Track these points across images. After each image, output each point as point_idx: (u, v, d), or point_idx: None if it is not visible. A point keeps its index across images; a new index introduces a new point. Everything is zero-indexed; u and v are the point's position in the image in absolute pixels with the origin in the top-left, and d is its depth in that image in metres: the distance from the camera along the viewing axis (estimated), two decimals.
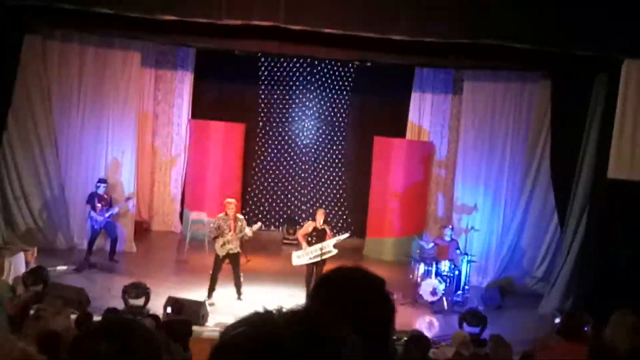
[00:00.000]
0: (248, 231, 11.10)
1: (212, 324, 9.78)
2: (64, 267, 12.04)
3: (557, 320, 8.51)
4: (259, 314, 1.16)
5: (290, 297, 11.03)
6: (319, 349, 1.09)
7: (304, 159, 16.97)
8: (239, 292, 11.04)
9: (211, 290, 10.89)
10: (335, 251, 11.25)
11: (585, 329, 6.76)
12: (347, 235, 11.84)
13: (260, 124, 16.81)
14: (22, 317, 6.54)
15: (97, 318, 7.37)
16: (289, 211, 16.95)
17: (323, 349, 1.09)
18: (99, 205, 12.62)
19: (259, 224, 11.84)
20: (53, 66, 13.31)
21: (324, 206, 15.84)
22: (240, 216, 11.43)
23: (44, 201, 13.37)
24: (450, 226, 12.93)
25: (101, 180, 12.94)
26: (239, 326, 1.14)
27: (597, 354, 6.65)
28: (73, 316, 7.14)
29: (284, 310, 1.17)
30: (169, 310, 9.20)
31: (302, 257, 11.36)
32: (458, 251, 12.51)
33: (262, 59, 16.39)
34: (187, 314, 9.07)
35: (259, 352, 1.08)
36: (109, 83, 13.80)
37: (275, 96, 16.79)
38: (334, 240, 11.31)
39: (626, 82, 10.96)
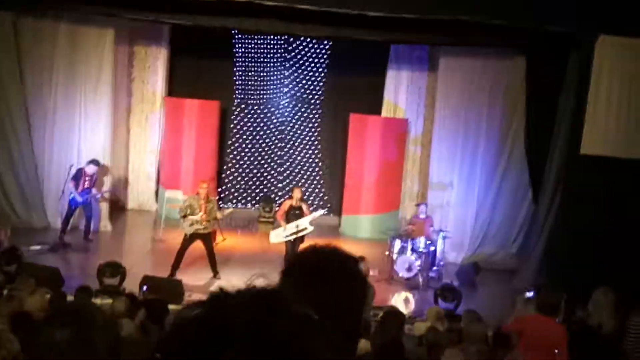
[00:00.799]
0: (218, 214, 11.10)
1: None
2: (38, 247, 11.90)
3: (528, 295, 8.60)
4: (214, 295, 1.13)
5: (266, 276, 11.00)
6: (274, 329, 1.05)
7: (280, 136, 16.90)
8: (214, 271, 10.99)
9: (174, 268, 10.72)
10: (311, 228, 11.27)
11: (559, 302, 6.86)
12: (322, 212, 11.85)
13: (236, 101, 16.70)
14: None
15: (71, 298, 7.35)
16: (265, 189, 16.92)
17: (277, 330, 1.05)
18: (84, 183, 12.63)
19: (231, 209, 11.75)
20: (25, 43, 13.08)
21: (300, 184, 15.82)
22: (212, 198, 11.32)
23: (18, 180, 13.22)
24: (425, 203, 12.98)
25: (93, 161, 12.91)
26: (194, 308, 1.10)
27: (578, 331, 6.75)
28: (47, 296, 7.09)
29: (243, 289, 1.14)
30: (144, 289, 9.16)
31: (279, 235, 11.38)
32: (432, 228, 12.60)
33: (238, 36, 16.24)
34: (164, 293, 9.04)
35: (209, 334, 1.05)
36: (83, 60, 13.59)
37: (251, 74, 16.66)
38: (309, 218, 11.32)
39: (600, 58, 11.03)
